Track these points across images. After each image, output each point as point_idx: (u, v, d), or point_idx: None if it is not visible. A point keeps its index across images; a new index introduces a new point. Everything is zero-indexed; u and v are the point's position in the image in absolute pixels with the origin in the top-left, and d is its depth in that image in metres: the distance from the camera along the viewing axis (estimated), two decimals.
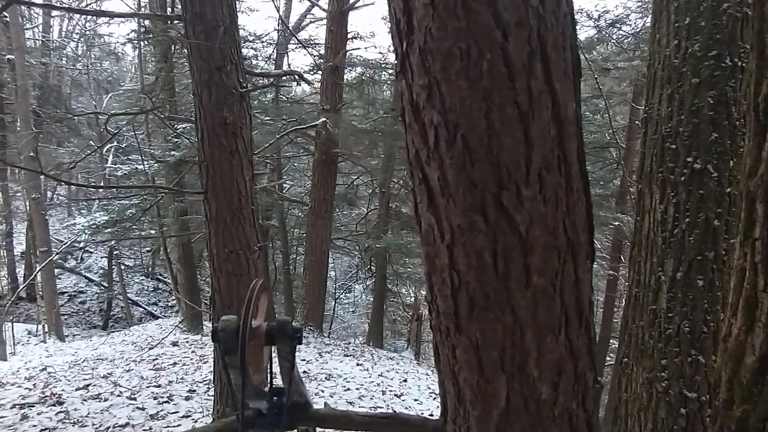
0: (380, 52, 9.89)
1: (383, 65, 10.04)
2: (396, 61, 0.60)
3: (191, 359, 6.39)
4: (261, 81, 5.70)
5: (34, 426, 3.64)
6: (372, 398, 5.31)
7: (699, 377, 1.82)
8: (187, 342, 7.79)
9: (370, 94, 10.96)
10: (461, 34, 0.50)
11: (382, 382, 6.19)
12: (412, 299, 15.23)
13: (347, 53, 8.97)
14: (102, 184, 8.66)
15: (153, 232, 8.67)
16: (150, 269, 15.27)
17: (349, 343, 9.81)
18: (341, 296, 15.91)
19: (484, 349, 0.60)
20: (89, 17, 12.72)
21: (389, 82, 10.95)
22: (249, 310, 0.59)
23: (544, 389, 0.61)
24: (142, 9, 6.97)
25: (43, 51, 12.23)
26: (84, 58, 12.82)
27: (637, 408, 1.98)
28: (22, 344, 9.85)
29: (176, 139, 6.59)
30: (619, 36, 8.10)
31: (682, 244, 1.86)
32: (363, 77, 9.62)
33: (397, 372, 7.09)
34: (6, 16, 8.14)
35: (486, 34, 0.50)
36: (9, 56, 8.91)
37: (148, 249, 14.37)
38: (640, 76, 7.66)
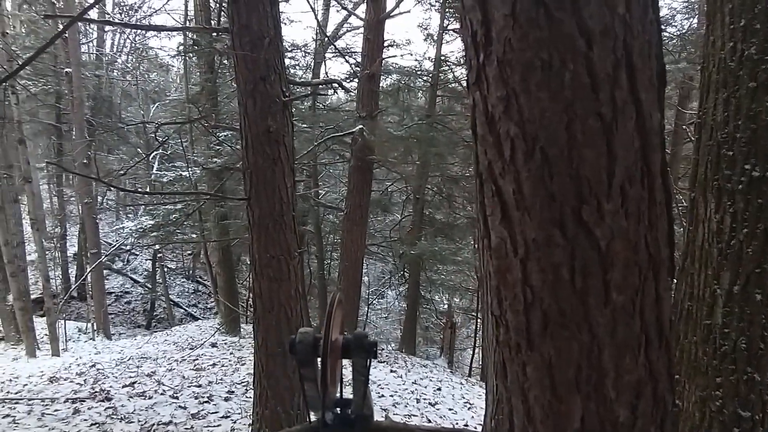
0: (416, 60, 9.93)
1: (418, 72, 10.07)
2: (468, 73, 0.59)
3: (229, 361, 6.54)
4: (299, 90, 5.83)
5: (85, 420, 3.81)
6: (406, 406, 5.27)
7: (754, 396, 1.71)
8: (225, 344, 7.98)
9: (405, 101, 11.00)
10: (543, 44, 0.49)
11: (416, 389, 6.13)
12: (446, 307, 15.07)
13: (383, 61, 9.04)
14: (149, 189, 9.04)
15: (194, 236, 8.96)
16: (191, 272, 15.80)
17: (383, 349, 9.80)
18: (374, 302, 15.92)
19: (558, 368, 0.58)
20: (139, 31, 13.41)
21: (424, 89, 10.96)
22: (330, 324, 0.59)
23: (621, 412, 0.58)
24: (189, 23, 7.26)
25: (97, 64, 12.96)
26: (134, 70, 13.51)
27: (689, 427, 1.87)
28: (73, 341, 10.37)
29: (218, 147, 6.81)
30: (664, 37, 7.79)
31: (739, 256, 1.75)
32: (400, 84, 9.66)
33: (430, 380, 7.01)
34: (65, 33, 8.70)
35: (569, 43, 0.48)
36: (67, 69, 9.50)
37: (189, 252, 14.88)
38: (686, 79, 7.33)
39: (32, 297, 9.50)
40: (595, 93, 0.50)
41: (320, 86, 3.46)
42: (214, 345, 7.88)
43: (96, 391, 4.65)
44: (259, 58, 2.50)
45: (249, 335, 8.87)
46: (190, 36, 6.51)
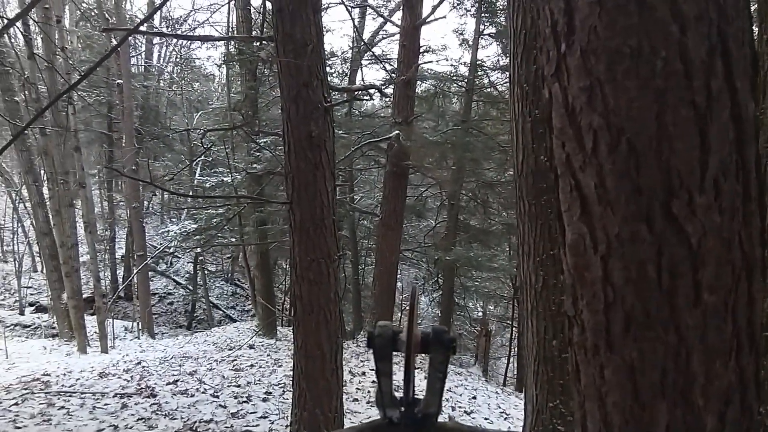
0: (452, 65, 9.88)
1: (453, 77, 10.03)
2: (546, 64, 0.58)
3: (266, 362, 6.65)
4: (336, 95, 5.91)
5: (132, 415, 3.95)
6: (441, 414, 5.20)
7: None
8: (262, 345, 8.13)
9: (440, 106, 10.98)
10: (632, 30, 0.47)
11: (450, 397, 6.05)
12: (480, 314, 14.84)
13: (419, 67, 9.06)
14: (192, 194, 9.39)
15: (234, 239, 9.21)
16: (229, 275, 16.25)
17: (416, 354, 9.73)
18: (407, 308, 15.86)
19: (641, 371, 0.55)
20: (184, 43, 14.03)
21: (459, 95, 10.90)
22: (413, 317, 0.58)
23: (709, 420, 0.54)
24: (231, 32, 7.52)
25: (145, 75, 13.64)
26: (181, 81, 14.13)
27: None
28: (120, 339, 10.85)
29: (258, 153, 6.98)
30: None
31: None
32: (436, 89, 9.65)
33: (465, 388, 6.90)
34: (119, 46, 9.18)
35: (661, 29, 0.46)
36: (118, 81, 10.03)
37: (228, 256, 15.31)
38: None
39: (83, 296, 10.00)
40: (688, 80, 0.47)
41: (360, 91, 3.50)
42: (251, 346, 8.04)
43: (142, 388, 4.82)
44: (302, 65, 2.55)
45: (285, 338, 9.01)
46: (233, 46, 6.74)
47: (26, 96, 8.08)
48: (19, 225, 14.26)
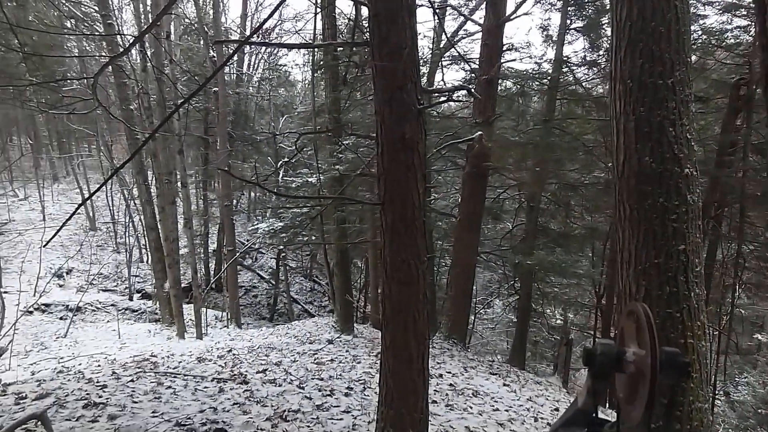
0: (536, 62, 9.50)
1: (536, 75, 9.63)
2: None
3: (346, 358, 6.82)
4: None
5: (228, 399, 4.25)
6: (523, 423, 5.02)
7: None
8: (340, 341, 8.37)
9: (520, 106, 10.60)
10: None
11: (531, 407, 5.81)
12: (559, 321, 14.14)
13: (500, 65, 8.83)
14: (275, 195, 9.95)
15: (314, 238, 9.60)
16: (308, 271, 16.98)
17: (493, 361, 9.48)
18: (480, 311, 15.56)
19: None
20: (272, 52, 14.91)
21: (540, 93, 10.46)
22: (655, 338, 0.54)
23: None
24: (317, 39, 7.85)
25: (237, 83, 14.71)
26: (266, 86, 15.07)
27: None
28: (211, 327, 11.77)
29: (340, 155, 7.21)
30: None
31: None
32: (519, 88, 9.34)
33: (546, 398, 6.59)
34: (214, 57, 10.04)
35: None
36: (214, 89, 10.90)
37: (307, 253, 16.03)
38: None
39: (182, 286, 10.98)
40: None
41: (453, 92, 3.49)
42: (330, 341, 8.31)
43: (235, 374, 5.17)
44: (397, 68, 2.59)
45: (361, 334, 9.23)
46: (319, 52, 7.03)
47: (140, 104, 9.05)
48: (130, 220, 16.04)
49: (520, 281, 11.20)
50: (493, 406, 5.33)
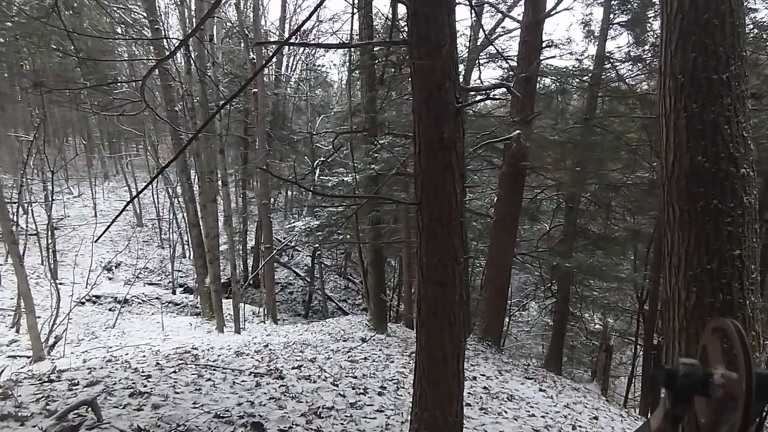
0: (577, 59, 9.18)
1: (576, 72, 9.33)
2: None
3: (379, 357, 6.84)
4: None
5: (265, 393, 4.33)
6: (560, 431, 4.88)
7: None
8: (374, 340, 8.41)
9: (559, 104, 10.30)
10: None
11: (569, 414, 5.64)
12: (598, 326, 13.69)
13: (539, 63, 8.61)
14: (312, 194, 10.11)
15: (349, 237, 9.68)
16: (343, 269, 17.16)
17: (528, 365, 9.28)
18: (515, 314, 15.27)
19: None
20: (309, 53, 15.17)
21: (580, 91, 10.13)
22: (750, 360, 0.50)
23: None
24: (354, 39, 7.91)
25: (276, 84, 15.05)
26: (304, 86, 15.35)
27: None
28: (248, 322, 12.09)
29: (376, 154, 7.24)
30: None
31: None
32: (562, 85, 9.08)
33: (585, 406, 6.39)
34: (254, 58, 10.30)
35: None
36: (254, 90, 11.18)
37: (342, 251, 16.20)
38: None
39: (221, 281, 11.33)
40: None
41: (492, 90, 3.42)
42: (363, 340, 8.36)
43: (271, 369, 5.27)
44: (435, 67, 2.56)
45: (394, 333, 9.23)
46: (354, 52, 7.08)
47: (184, 105, 9.39)
48: (174, 217, 16.71)
49: (557, 284, 10.93)
50: (528, 411, 5.21)
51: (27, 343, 8.10)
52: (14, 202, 12.28)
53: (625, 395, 12.03)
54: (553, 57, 9.29)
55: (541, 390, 6.46)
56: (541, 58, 8.59)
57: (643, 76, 9.82)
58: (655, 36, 8.51)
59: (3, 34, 11.95)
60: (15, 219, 11.50)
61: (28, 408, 3.13)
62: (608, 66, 9.30)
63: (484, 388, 5.84)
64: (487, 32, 10.87)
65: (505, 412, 5.00)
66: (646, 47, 8.88)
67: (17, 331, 9.56)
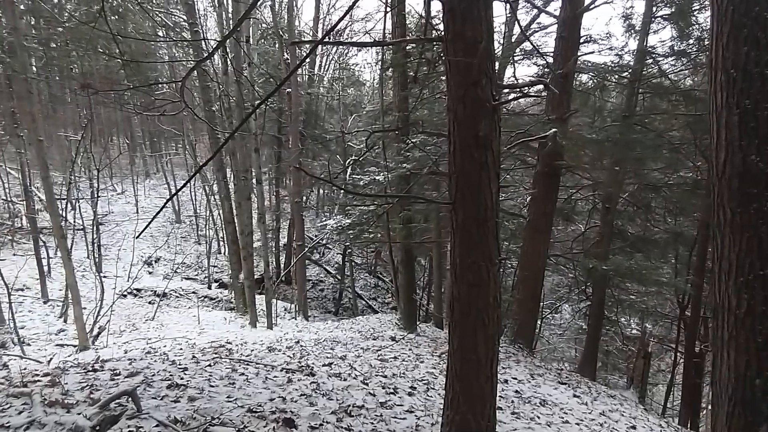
0: (617, 54, 8.83)
1: (615, 68, 8.98)
2: None
3: (408, 356, 6.81)
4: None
5: (296, 390, 4.37)
6: None
7: None
8: (403, 339, 8.39)
9: (597, 101, 9.95)
10: None
11: (605, 422, 5.44)
12: (635, 331, 13.21)
13: (577, 59, 8.34)
14: (343, 192, 10.18)
15: (380, 235, 9.70)
16: (373, 268, 17.23)
17: (562, 369, 9.04)
18: (547, 316, 14.93)
19: None
20: (342, 53, 15.28)
21: (619, 88, 9.75)
22: None
23: None
24: (386, 38, 7.90)
25: (309, 83, 15.24)
26: (337, 86, 15.50)
27: None
28: (280, 318, 12.31)
29: (408, 153, 7.21)
30: None
31: None
32: (602, 82, 8.77)
33: (622, 414, 6.15)
34: (288, 59, 10.46)
35: None
36: (288, 90, 11.36)
37: (372, 250, 16.26)
38: None
39: (255, 277, 11.58)
40: None
41: (529, 87, 3.33)
42: (393, 339, 8.35)
43: (302, 366, 5.33)
44: (471, 64, 2.52)
45: (424, 333, 9.19)
46: (387, 50, 7.07)
47: (221, 105, 9.64)
48: (210, 214, 17.21)
49: (592, 287, 10.60)
50: (562, 417, 5.06)
51: (73, 333, 8.53)
52: (63, 199, 12.95)
53: (663, 404, 11.58)
54: (591, 53, 9.02)
55: (575, 396, 6.28)
56: (579, 54, 8.32)
57: (687, 71, 9.37)
58: (701, 30, 8.11)
59: (55, 39, 12.63)
60: (64, 215, 12.13)
61: (74, 396, 3.28)
62: (650, 61, 8.91)
63: (516, 391, 5.72)
64: (523, 28, 10.60)
65: (538, 417, 4.87)
66: (691, 41, 8.46)
67: (65, 321, 10.08)
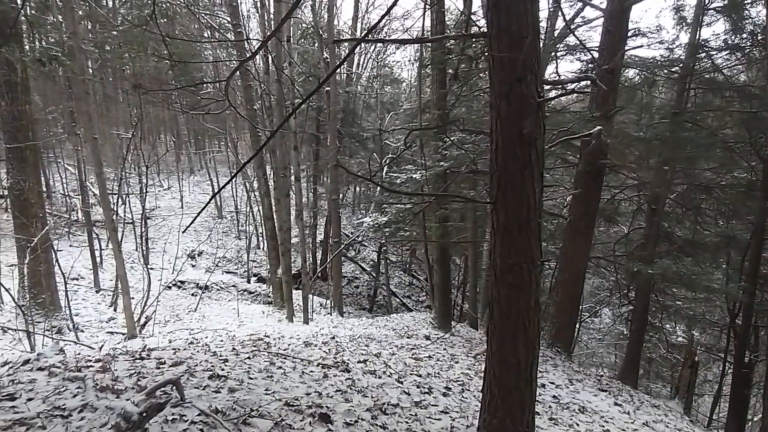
0: (667, 48, 8.39)
1: (665, 63, 8.53)
2: None
3: (443, 356, 6.74)
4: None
5: (332, 385, 4.40)
6: None
7: None
8: (438, 338, 8.33)
9: (644, 97, 9.50)
10: None
11: None
12: (680, 339, 12.57)
13: (624, 54, 7.98)
14: (380, 190, 10.21)
15: (416, 234, 9.66)
16: (408, 266, 17.21)
17: (602, 375, 8.73)
18: (586, 320, 14.43)
19: None
20: (380, 52, 15.32)
21: (667, 84, 9.26)
22: None
23: None
24: (426, 34, 7.85)
25: (347, 82, 15.37)
26: (375, 84, 15.56)
27: None
28: (316, 313, 12.49)
29: (445, 151, 7.13)
30: None
31: None
32: (652, 77, 8.37)
33: (666, 426, 5.86)
34: (328, 58, 10.58)
35: None
36: (327, 88, 11.49)
37: (407, 248, 16.23)
38: None
39: (292, 273, 11.79)
40: None
41: (576, 83, 3.21)
42: (427, 338, 8.31)
43: (338, 362, 5.37)
44: (516, 60, 2.44)
45: (458, 333, 9.09)
46: (426, 48, 7.01)
47: (262, 104, 9.86)
48: (250, 210, 17.69)
49: (636, 291, 10.16)
50: (603, 426, 4.88)
51: (122, 321, 8.97)
52: (115, 194, 13.64)
53: (709, 416, 10.99)
54: (640, 47, 8.57)
55: (616, 404, 6.05)
56: (626, 48, 7.97)
57: (741, 66, 8.81)
58: (753, 24, 7.60)
59: (109, 42, 13.33)
60: (115, 209, 12.78)
61: (123, 382, 3.44)
62: (702, 55, 8.42)
63: (554, 397, 5.57)
64: (567, 22, 10.26)
65: (577, 424, 4.72)
66: (744, 35, 7.93)
67: (114, 310, 10.63)
